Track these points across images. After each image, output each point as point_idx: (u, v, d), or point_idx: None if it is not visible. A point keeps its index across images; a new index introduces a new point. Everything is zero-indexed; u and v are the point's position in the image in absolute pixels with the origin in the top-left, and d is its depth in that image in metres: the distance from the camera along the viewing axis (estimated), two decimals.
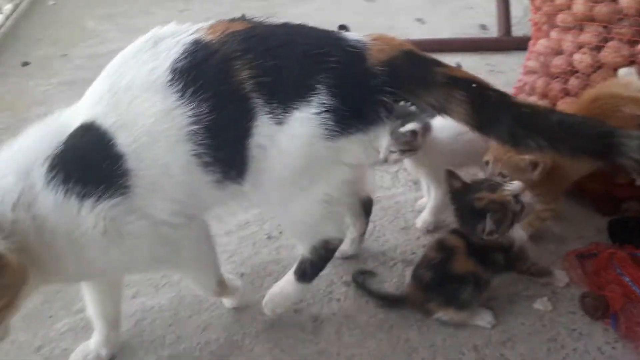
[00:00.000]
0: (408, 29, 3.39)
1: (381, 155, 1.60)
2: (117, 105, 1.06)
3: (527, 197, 1.51)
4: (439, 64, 1.18)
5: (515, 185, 1.39)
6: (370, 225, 1.81)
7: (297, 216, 1.27)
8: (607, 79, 1.71)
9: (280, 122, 1.10)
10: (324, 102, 1.09)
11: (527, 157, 1.48)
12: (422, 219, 1.78)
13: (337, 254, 1.51)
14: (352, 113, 1.12)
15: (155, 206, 1.12)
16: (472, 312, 1.43)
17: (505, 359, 1.36)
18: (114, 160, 1.06)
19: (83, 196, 1.04)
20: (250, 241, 1.77)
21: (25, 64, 3.01)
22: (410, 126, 1.56)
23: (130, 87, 1.06)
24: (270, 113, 1.09)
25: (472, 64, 2.87)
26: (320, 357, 1.38)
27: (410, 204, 1.90)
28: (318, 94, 1.09)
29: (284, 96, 1.09)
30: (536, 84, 1.95)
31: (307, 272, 1.40)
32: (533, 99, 1.95)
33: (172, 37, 1.09)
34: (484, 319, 1.43)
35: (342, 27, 2.49)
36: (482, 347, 1.38)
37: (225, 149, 1.11)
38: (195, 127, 1.06)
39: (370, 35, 1.18)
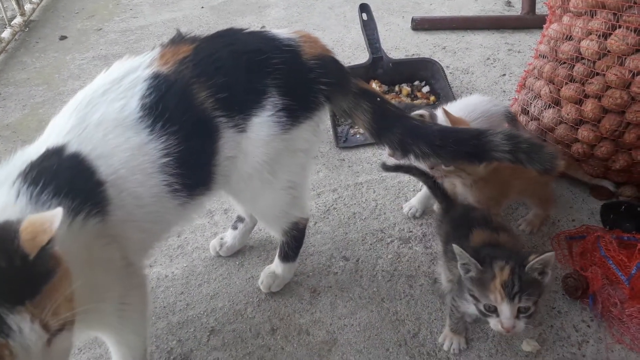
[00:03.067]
0: (432, 4, 3.38)
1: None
2: (90, 137, 1.08)
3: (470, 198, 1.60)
4: (353, 76, 1.37)
5: None
6: (372, 204, 1.92)
7: (266, 206, 1.41)
8: (611, 66, 1.73)
9: (242, 130, 1.21)
10: (276, 102, 1.21)
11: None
12: (410, 204, 1.87)
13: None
14: (299, 105, 1.25)
15: (127, 236, 1.14)
16: None
17: (484, 333, 1.47)
18: (96, 184, 1.06)
19: (74, 210, 1.01)
20: None
21: (62, 37, 3.17)
22: (419, 111, 1.62)
23: (101, 123, 1.10)
24: (234, 126, 1.20)
25: (491, 43, 2.89)
26: (314, 326, 1.52)
27: (413, 184, 1.98)
28: (270, 96, 1.21)
29: (242, 106, 1.20)
30: (544, 69, 1.97)
31: (288, 253, 1.56)
32: (540, 84, 1.98)
33: (133, 73, 1.15)
34: None
35: (364, 6, 2.55)
36: None
37: (194, 173, 1.19)
38: (166, 159, 1.12)
39: (297, 32, 1.31)
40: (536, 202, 1.75)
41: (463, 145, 1.30)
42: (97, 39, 3.16)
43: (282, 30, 1.31)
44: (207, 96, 1.16)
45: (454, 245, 1.22)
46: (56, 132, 1.10)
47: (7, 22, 3.09)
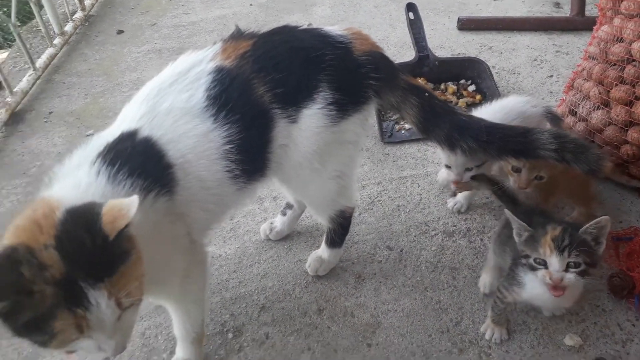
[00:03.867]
0: (478, 5, 3.39)
1: (455, 176, 1.65)
2: (161, 124, 1.17)
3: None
4: (402, 71, 1.42)
5: None
6: (417, 197, 1.97)
7: (315, 193, 1.48)
8: None
9: (294, 121, 1.28)
10: (327, 96, 1.27)
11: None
12: (455, 199, 1.91)
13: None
14: (349, 99, 1.31)
15: (192, 215, 1.23)
16: None
17: (526, 326, 1.50)
18: (166, 166, 1.15)
19: (146, 189, 1.10)
20: None
21: (120, 32, 3.32)
22: None
23: (170, 111, 1.18)
24: (287, 117, 1.27)
25: (539, 44, 2.89)
26: (359, 309, 1.59)
27: None
28: (321, 90, 1.27)
29: (295, 99, 1.27)
30: (593, 70, 1.98)
31: (334, 239, 1.63)
32: (589, 85, 1.99)
33: (198, 66, 1.23)
34: None
35: (410, 5, 2.60)
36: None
37: (252, 160, 1.27)
38: (229, 146, 1.20)
39: (348, 29, 1.37)
40: (579, 201, 1.76)
41: (510, 142, 1.34)
42: (151, 33, 3.30)
43: (334, 27, 1.37)
44: (265, 90, 1.23)
45: (505, 210, 1.32)
46: (129, 118, 1.19)
47: (69, 17, 3.26)
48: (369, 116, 1.45)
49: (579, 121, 2.03)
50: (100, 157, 1.10)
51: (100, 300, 0.90)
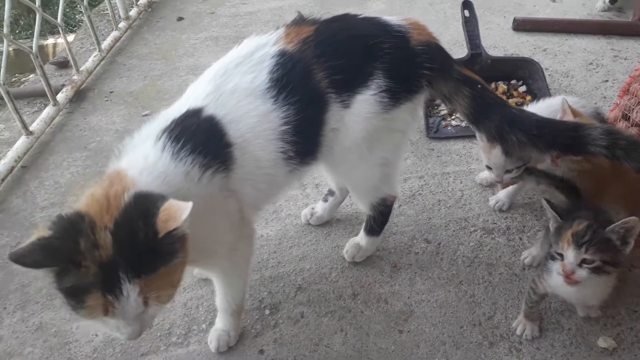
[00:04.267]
0: (536, 6, 3.33)
1: (496, 177, 1.68)
2: (224, 103, 1.23)
3: None
4: (457, 62, 1.43)
5: None
6: (458, 194, 1.98)
7: (360, 179, 1.51)
8: None
9: (347, 106, 1.32)
10: (380, 83, 1.30)
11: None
12: (497, 197, 1.91)
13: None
14: (402, 87, 1.34)
15: (244, 192, 1.29)
16: None
17: (560, 325, 1.50)
18: (226, 145, 1.21)
19: (205, 166, 1.17)
20: None
21: (180, 19, 3.46)
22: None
23: (235, 91, 1.24)
24: (341, 102, 1.31)
25: (596, 48, 2.82)
26: (393, 297, 1.62)
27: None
28: (375, 78, 1.30)
29: (350, 85, 1.30)
30: None
31: (373, 227, 1.67)
32: None
33: (262, 49, 1.29)
34: None
35: (467, 3, 2.59)
36: (540, 312, 1.52)
37: (306, 142, 1.31)
38: (285, 127, 1.25)
39: (406, 19, 1.39)
40: (626, 207, 1.72)
41: (560, 136, 1.34)
42: (209, 21, 3.41)
43: (392, 17, 1.41)
44: (324, 76, 1.28)
45: (542, 200, 1.35)
46: (196, 96, 1.26)
47: (134, 2, 3.42)
48: (420, 106, 1.47)
49: (632, 126, 1.99)
50: (166, 133, 1.18)
51: (131, 294, 0.97)
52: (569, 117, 1.58)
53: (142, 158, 1.15)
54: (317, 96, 1.29)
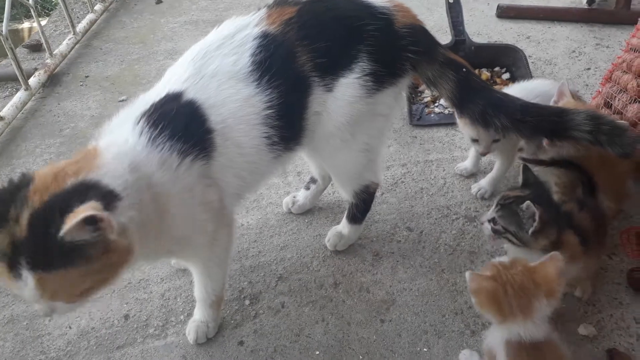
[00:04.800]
0: None
1: (483, 149, 1.71)
2: (205, 87, 1.19)
3: None
4: (441, 45, 1.41)
5: None
6: (441, 181, 1.97)
7: (343, 165, 1.49)
8: None
9: (330, 90, 1.29)
10: (364, 67, 1.27)
11: None
12: (479, 185, 1.90)
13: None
14: (386, 71, 1.31)
15: (226, 180, 1.25)
16: None
17: None
18: (206, 132, 1.17)
19: (184, 154, 1.13)
20: None
21: (158, 2, 3.36)
22: None
23: (216, 74, 1.20)
24: (324, 85, 1.27)
25: (579, 36, 2.82)
26: (375, 286, 1.60)
27: (483, 167, 2.00)
28: (360, 61, 1.27)
29: (334, 68, 1.27)
30: (634, 63, 1.92)
31: (356, 215, 1.64)
32: (627, 77, 1.94)
33: (244, 30, 1.24)
34: None
35: None
36: None
37: (289, 127, 1.28)
38: (269, 111, 1.22)
39: (390, 1, 1.35)
40: (611, 197, 1.73)
41: (543, 121, 1.32)
42: (189, 5, 3.34)
43: None
44: (308, 59, 1.24)
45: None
46: (175, 79, 1.22)
47: None
48: (404, 90, 1.45)
49: (614, 114, 1.98)
50: (144, 117, 1.14)
51: (29, 282, 0.92)
52: (567, 100, 1.57)
53: (120, 141, 1.11)
54: (300, 79, 1.25)
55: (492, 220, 1.36)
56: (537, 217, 1.26)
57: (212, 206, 1.25)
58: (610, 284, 1.56)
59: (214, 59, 1.22)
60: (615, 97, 1.98)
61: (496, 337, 1.17)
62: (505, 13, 3.02)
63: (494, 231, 1.36)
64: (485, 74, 2.48)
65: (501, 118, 1.34)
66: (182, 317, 1.53)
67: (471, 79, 1.39)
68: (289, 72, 1.23)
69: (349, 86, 1.29)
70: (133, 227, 1.00)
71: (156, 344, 1.46)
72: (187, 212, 1.17)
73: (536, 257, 1.21)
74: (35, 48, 2.82)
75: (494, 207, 1.38)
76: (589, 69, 2.56)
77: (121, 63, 2.72)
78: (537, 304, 1.11)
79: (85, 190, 0.95)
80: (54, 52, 2.63)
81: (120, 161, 1.05)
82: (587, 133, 1.27)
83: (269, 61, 1.21)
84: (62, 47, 2.72)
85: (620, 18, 2.90)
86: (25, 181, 0.97)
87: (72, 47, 2.78)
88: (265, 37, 1.24)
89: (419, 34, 1.35)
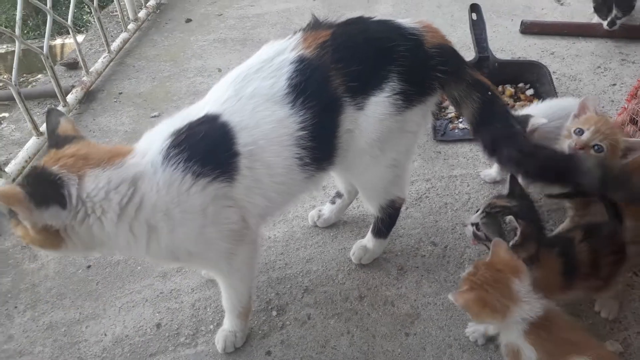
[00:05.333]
0: (544, 9, 3.33)
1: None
2: (242, 108, 1.25)
3: None
4: (470, 66, 1.43)
5: None
6: (465, 197, 1.99)
7: (371, 180, 1.52)
8: None
9: (361, 108, 1.32)
10: (394, 86, 1.31)
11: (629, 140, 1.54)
12: (488, 172, 2.02)
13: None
14: (415, 90, 1.34)
15: (251, 202, 1.29)
16: None
17: None
18: (232, 155, 1.22)
19: (199, 176, 1.18)
20: None
21: (188, 20, 3.48)
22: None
23: (254, 96, 1.26)
24: (355, 105, 1.32)
25: (604, 52, 2.82)
26: (399, 299, 1.63)
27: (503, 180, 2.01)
28: (390, 80, 1.31)
29: (365, 88, 1.32)
30: None
31: (381, 229, 1.68)
32: None
33: (282, 55, 1.30)
34: None
35: (474, 6, 2.59)
36: None
37: (322, 147, 1.32)
38: (302, 132, 1.26)
39: (421, 22, 1.38)
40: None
41: (552, 163, 1.34)
42: (217, 23, 3.43)
43: (406, 20, 1.40)
44: (342, 82, 1.29)
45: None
46: (214, 99, 1.28)
47: (142, 4, 3.45)
48: (431, 108, 1.47)
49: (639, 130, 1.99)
50: (174, 135, 1.21)
51: None
52: (590, 115, 1.57)
53: (140, 151, 1.21)
54: (333, 100, 1.30)
55: (476, 225, 1.41)
56: (518, 232, 1.29)
57: (227, 226, 1.28)
58: (637, 302, 1.56)
59: (252, 82, 1.27)
60: None
61: (512, 333, 1.20)
62: (528, 29, 3.04)
63: (475, 236, 1.41)
64: (509, 90, 2.50)
65: (510, 149, 1.34)
66: (211, 326, 1.58)
67: (495, 103, 1.41)
68: (323, 95, 1.28)
69: (380, 104, 1.33)
70: (70, 229, 1.14)
71: (187, 352, 1.51)
72: (192, 229, 1.22)
73: None
74: (72, 66, 2.94)
75: (479, 212, 1.42)
76: (614, 84, 2.56)
77: (153, 80, 2.82)
78: (515, 286, 1.17)
79: (47, 180, 1.12)
80: (89, 70, 2.74)
81: (124, 171, 1.15)
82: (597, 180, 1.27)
83: (304, 84, 1.26)
84: (98, 64, 2.83)
85: None
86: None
87: (107, 65, 2.89)
88: (301, 61, 1.28)
89: (448, 54, 1.38)
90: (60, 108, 2.46)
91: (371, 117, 1.34)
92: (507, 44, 2.97)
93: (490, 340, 1.49)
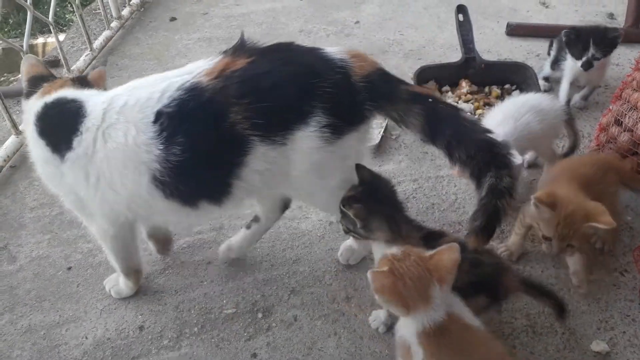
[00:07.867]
0: (529, 12, 3.35)
1: None
2: (122, 112, 1.29)
3: None
4: (404, 82, 1.37)
5: None
6: (452, 197, 1.98)
7: (323, 200, 1.51)
8: None
9: (283, 144, 1.27)
10: (320, 120, 1.25)
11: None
12: None
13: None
14: (344, 122, 1.29)
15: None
16: None
17: (553, 329, 1.50)
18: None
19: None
20: None
21: (172, 19, 3.43)
22: None
23: (123, 111, 1.27)
24: (270, 143, 1.26)
25: None
26: None
27: None
28: (315, 115, 1.25)
29: (283, 124, 1.26)
30: None
31: None
32: (637, 96, 1.95)
33: (181, 76, 1.26)
34: None
35: (461, 7, 2.59)
36: (534, 316, 1.53)
37: (193, 184, 1.30)
38: (159, 166, 1.25)
39: (349, 52, 1.33)
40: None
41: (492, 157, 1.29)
42: (202, 22, 3.40)
43: (335, 49, 1.34)
44: (244, 118, 1.22)
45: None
46: (113, 92, 1.36)
47: (126, 1, 3.40)
48: (369, 128, 1.42)
49: (624, 131, 2.00)
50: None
51: None
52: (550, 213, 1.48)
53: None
54: (227, 138, 1.24)
55: (340, 223, 1.42)
56: (352, 215, 1.30)
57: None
58: (622, 301, 1.56)
59: (134, 94, 1.29)
60: (625, 114, 2.00)
61: (408, 328, 1.18)
62: (514, 31, 3.05)
63: (347, 233, 1.41)
64: (495, 91, 2.50)
65: (460, 151, 1.29)
66: (195, 329, 1.55)
67: (439, 108, 1.34)
68: (207, 130, 1.23)
69: (307, 138, 1.27)
70: None
71: (170, 355, 1.48)
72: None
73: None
74: (53, 64, 2.87)
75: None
76: (599, 86, 2.57)
77: (136, 79, 2.77)
78: (433, 292, 1.13)
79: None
80: (71, 68, 2.69)
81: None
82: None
83: (179, 116, 1.23)
84: (79, 62, 2.78)
85: (629, 36, 2.91)
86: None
87: (89, 63, 2.84)
88: (191, 90, 1.23)
89: (377, 82, 1.32)
90: None
91: (299, 150, 1.28)
92: (494, 45, 2.98)
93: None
